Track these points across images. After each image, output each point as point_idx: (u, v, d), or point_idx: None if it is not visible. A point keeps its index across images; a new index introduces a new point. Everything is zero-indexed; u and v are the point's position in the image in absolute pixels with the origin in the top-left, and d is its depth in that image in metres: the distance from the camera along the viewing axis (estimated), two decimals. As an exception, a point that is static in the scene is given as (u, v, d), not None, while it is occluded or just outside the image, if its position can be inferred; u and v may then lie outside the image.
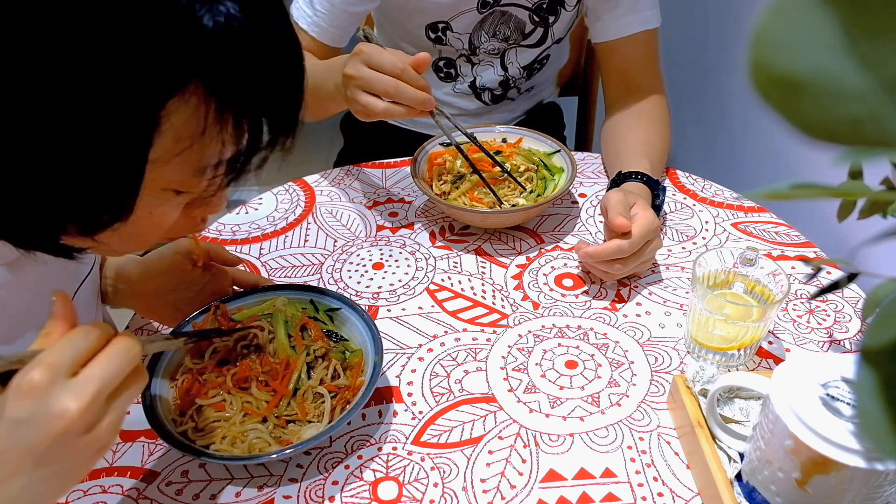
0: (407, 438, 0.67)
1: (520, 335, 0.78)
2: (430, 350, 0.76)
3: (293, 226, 0.95)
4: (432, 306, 0.82)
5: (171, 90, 0.42)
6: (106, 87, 0.40)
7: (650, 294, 0.83)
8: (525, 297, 0.83)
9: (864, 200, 0.54)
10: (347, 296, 0.77)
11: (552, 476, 0.64)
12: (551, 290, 0.84)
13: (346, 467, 0.65)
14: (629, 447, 0.66)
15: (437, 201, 0.89)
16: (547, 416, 0.69)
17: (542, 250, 0.90)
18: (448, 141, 0.98)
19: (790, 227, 0.92)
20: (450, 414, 0.69)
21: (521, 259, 0.88)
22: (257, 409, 0.65)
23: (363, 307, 0.73)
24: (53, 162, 0.42)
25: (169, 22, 0.40)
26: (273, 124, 0.48)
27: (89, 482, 0.64)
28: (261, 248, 0.91)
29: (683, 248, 0.90)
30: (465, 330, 0.79)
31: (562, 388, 0.72)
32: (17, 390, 0.43)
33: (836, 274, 0.83)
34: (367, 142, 1.27)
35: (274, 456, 0.60)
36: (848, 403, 0.50)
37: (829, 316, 0.79)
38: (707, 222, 0.93)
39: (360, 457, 0.66)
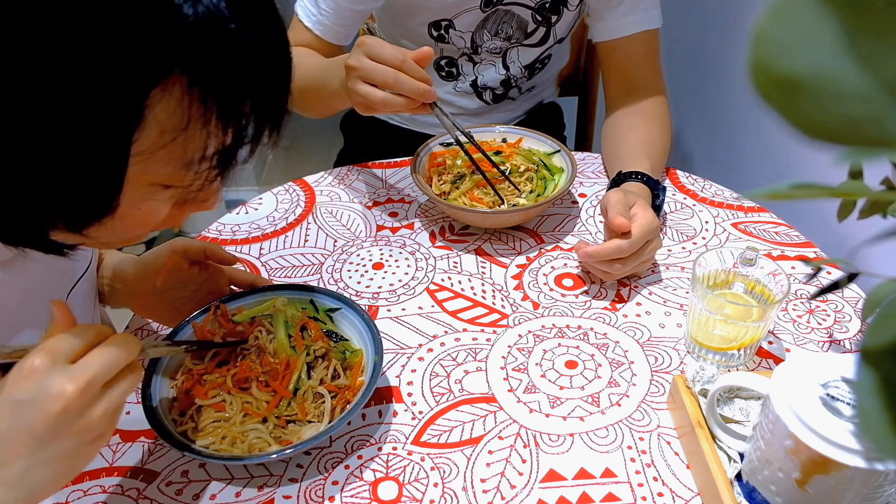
0: (407, 438, 0.67)
1: (520, 335, 0.78)
2: (430, 350, 0.76)
3: (293, 226, 0.95)
4: (432, 306, 0.82)
5: (154, 80, 0.41)
6: (88, 77, 0.39)
7: (650, 294, 0.83)
8: (525, 297, 0.83)
9: (864, 200, 0.54)
10: (347, 296, 0.77)
11: (552, 476, 0.64)
12: (551, 290, 0.84)
13: (346, 467, 0.65)
14: (629, 447, 0.66)
15: (437, 201, 0.89)
16: (547, 416, 0.69)
17: (542, 250, 0.90)
18: (448, 141, 0.98)
19: (790, 227, 0.92)
20: (450, 414, 0.69)
21: (521, 259, 0.88)
22: (257, 410, 0.65)
23: (363, 307, 0.73)
24: (35, 155, 0.42)
25: (150, 11, 0.40)
26: (259, 116, 0.48)
27: (89, 482, 0.64)
28: (261, 248, 0.91)
29: (683, 248, 0.90)
30: (465, 330, 0.79)
31: (562, 388, 0.72)
32: (18, 373, 0.46)
33: (836, 274, 0.83)
34: (367, 142, 1.28)
35: (274, 456, 0.60)
36: (848, 403, 0.50)
37: (829, 316, 0.79)
38: (707, 222, 0.93)
39: (360, 457, 0.66)
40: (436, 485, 0.63)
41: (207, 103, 0.44)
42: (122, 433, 0.68)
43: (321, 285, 0.84)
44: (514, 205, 0.89)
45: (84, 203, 0.45)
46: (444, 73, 1.14)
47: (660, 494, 0.62)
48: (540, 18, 1.06)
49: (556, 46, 1.13)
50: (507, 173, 0.92)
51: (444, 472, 0.64)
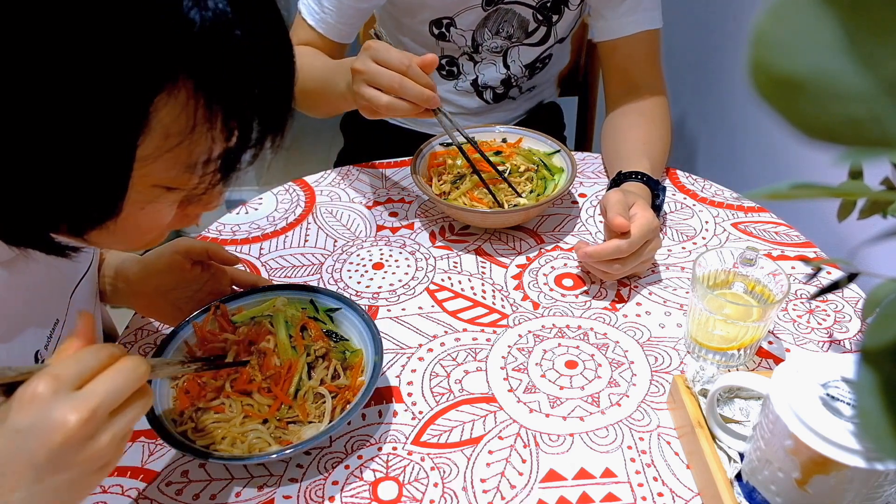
0: (407, 438, 0.67)
1: (520, 335, 0.78)
2: (430, 350, 0.76)
3: (293, 226, 0.95)
4: (432, 306, 0.82)
5: (160, 85, 0.41)
6: (94, 81, 0.40)
7: (650, 294, 0.83)
8: (525, 297, 0.83)
9: (864, 200, 0.54)
10: (347, 296, 0.77)
11: (552, 476, 0.64)
12: (551, 290, 0.84)
13: (346, 467, 0.65)
14: (629, 447, 0.66)
15: (437, 201, 0.89)
16: (547, 416, 0.69)
17: (542, 250, 0.90)
18: (448, 141, 0.98)
19: (790, 227, 0.92)
20: (450, 414, 0.69)
21: (521, 259, 0.88)
22: (258, 412, 0.65)
23: (363, 307, 0.73)
24: (41, 158, 0.42)
25: (157, 17, 0.40)
26: (263, 121, 0.48)
27: (89, 482, 0.64)
28: (261, 248, 0.91)
29: (683, 248, 0.90)
30: (465, 330, 0.79)
31: (562, 388, 0.72)
32: (20, 400, 0.43)
33: (836, 274, 0.83)
34: (367, 142, 1.28)
35: (274, 456, 0.60)
36: (848, 403, 0.50)
37: (829, 316, 0.79)
38: (707, 222, 0.93)
39: (360, 457, 0.66)
40: (436, 485, 0.63)
41: (212, 108, 0.44)
42: (122, 433, 0.68)
43: (321, 285, 0.84)
44: (514, 205, 0.89)
45: (88, 205, 0.45)
46: (444, 72, 1.14)
47: (660, 494, 0.62)
48: (541, 18, 1.06)
49: (556, 46, 1.13)
50: (506, 173, 0.92)
51: (444, 472, 0.64)
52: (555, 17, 1.07)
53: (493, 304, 0.82)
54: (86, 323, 0.49)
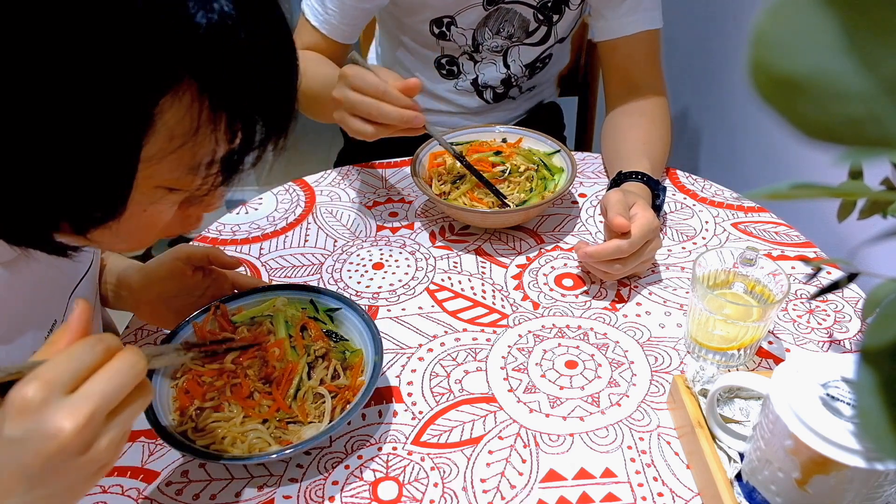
0: (407, 438, 0.67)
1: (520, 335, 0.78)
2: (430, 350, 0.76)
3: (293, 226, 0.95)
4: (432, 306, 0.82)
5: (165, 87, 0.42)
6: (99, 83, 0.40)
7: (650, 294, 0.83)
8: (525, 297, 0.83)
9: (864, 200, 0.54)
10: (347, 296, 0.77)
11: (552, 476, 0.64)
12: (551, 290, 0.84)
13: (346, 467, 0.65)
14: (629, 447, 0.66)
15: (437, 201, 0.89)
16: (547, 416, 0.69)
17: (542, 250, 0.90)
18: (448, 141, 0.98)
19: (790, 227, 0.92)
20: (450, 414, 0.69)
21: (521, 259, 0.88)
22: (258, 413, 0.65)
23: (363, 307, 0.73)
24: (46, 159, 0.42)
25: (162, 19, 0.40)
26: (267, 123, 0.48)
27: (89, 482, 0.64)
28: (261, 248, 0.91)
29: (683, 248, 0.90)
30: (465, 330, 0.79)
31: (562, 388, 0.72)
32: (11, 407, 0.41)
33: (836, 274, 0.83)
34: (367, 142, 1.27)
35: (274, 456, 0.60)
36: (848, 403, 0.50)
37: (829, 316, 0.79)
38: (707, 222, 0.93)
39: (360, 457, 0.66)
40: (436, 485, 0.63)
41: (216, 110, 0.44)
42: (122, 433, 0.68)
43: (321, 285, 0.84)
44: (518, 204, 0.89)
45: (92, 206, 0.45)
46: (444, 72, 1.14)
47: (660, 494, 0.62)
48: (541, 17, 1.06)
49: (556, 46, 1.13)
50: (506, 173, 0.92)
51: (444, 472, 0.64)
52: (555, 17, 1.07)
53: (493, 304, 0.82)
54: (81, 312, 0.46)
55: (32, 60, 0.39)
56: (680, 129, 1.53)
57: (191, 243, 0.88)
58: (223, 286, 0.78)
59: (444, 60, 1.12)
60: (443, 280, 0.85)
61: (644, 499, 0.62)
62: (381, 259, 0.89)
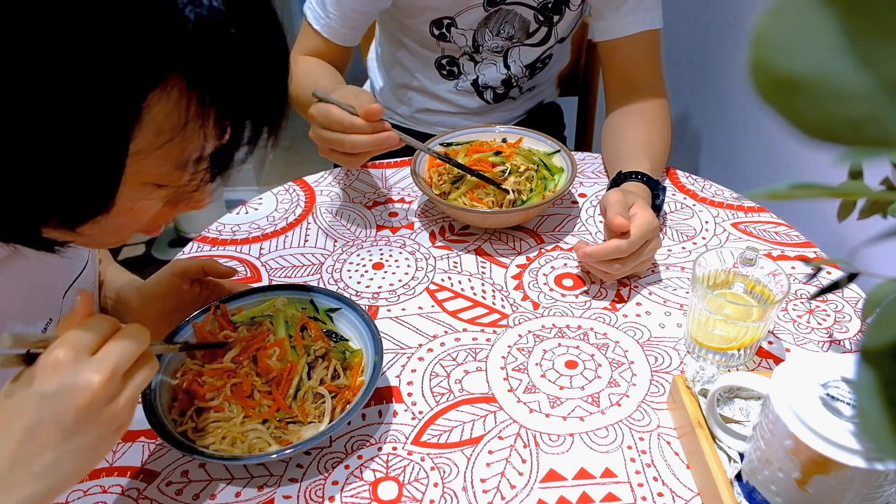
0: (407, 438, 0.67)
1: (520, 335, 0.78)
2: (430, 350, 0.76)
3: (293, 226, 0.95)
4: (432, 306, 0.82)
5: (153, 82, 0.42)
6: (87, 77, 0.40)
7: (650, 294, 0.83)
8: (525, 297, 0.83)
9: (864, 200, 0.54)
10: (347, 296, 0.77)
11: (552, 476, 0.64)
12: (551, 290, 0.84)
13: (346, 467, 0.65)
14: (629, 447, 0.66)
15: (437, 201, 0.89)
16: (547, 416, 0.69)
17: (542, 250, 0.90)
18: (448, 142, 0.98)
19: (790, 227, 0.92)
20: (450, 414, 0.69)
21: (521, 259, 0.88)
22: (259, 413, 0.65)
23: (363, 307, 0.73)
24: (34, 154, 0.42)
25: (151, 14, 0.40)
26: (256, 119, 0.48)
27: (89, 482, 0.64)
28: (261, 248, 0.91)
29: (683, 248, 0.90)
30: (465, 330, 0.79)
31: (562, 388, 0.72)
32: (44, 367, 0.46)
33: (836, 274, 0.83)
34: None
35: (274, 456, 0.60)
36: (848, 403, 0.50)
37: (829, 316, 0.79)
38: (707, 222, 0.93)
39: (360, 457, 0.66)
40: (436, 485, 0.63)
41: (205, 105, 0.44)
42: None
43: (321, 285, 0.84)
44: (522, 202, 0.89)
45: (80, 201, 0.45)
46: (445, 72, 1.14)
47: (660, 494, 0.62)
48: (542, 18, 1.06)
49: (557, 46, 1.13)
50: (506, 173, 0.92)
51: (444, 472, 0.64)
52: (556, 18, 1.07)
53: (493, 304, 0.82)
54: (85, 301, 0.51)
55: (21, 54, 0.39)
56: (680, 129, 1.53)
57: (186, 256, 0.88)
58: (220, 296, 0.78)
59: (444, 61, 1.12)
60: (443, 280, 0.85)
61: (644, 499, 0.62)
62: (381, 259, 0.89)
